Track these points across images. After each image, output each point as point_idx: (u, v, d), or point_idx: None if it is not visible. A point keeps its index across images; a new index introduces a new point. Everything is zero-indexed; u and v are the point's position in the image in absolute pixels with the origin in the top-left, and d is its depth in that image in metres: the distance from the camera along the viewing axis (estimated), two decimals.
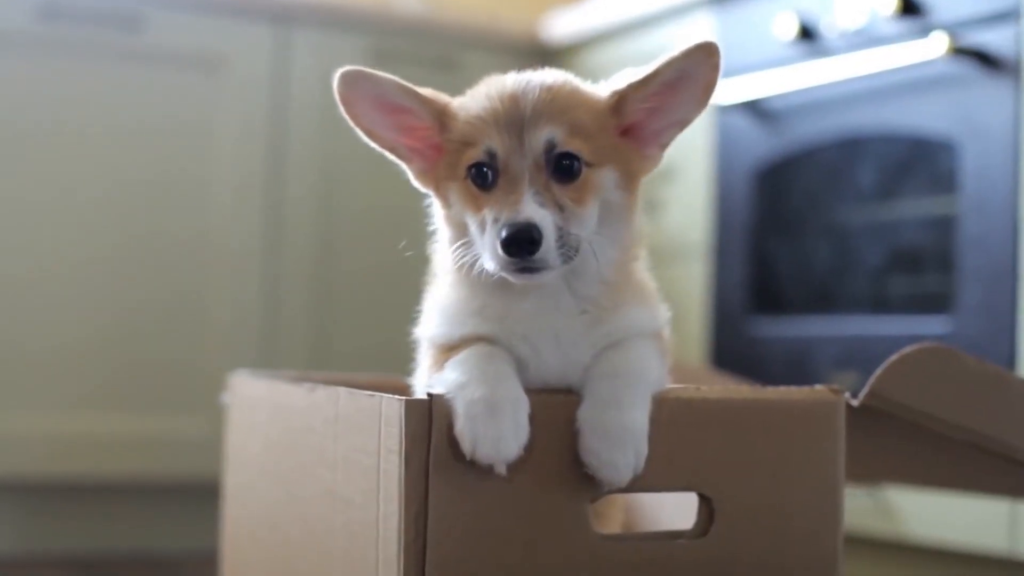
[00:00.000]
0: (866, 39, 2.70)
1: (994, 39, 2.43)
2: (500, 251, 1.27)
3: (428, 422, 1.27)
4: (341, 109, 1.41)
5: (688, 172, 3.15)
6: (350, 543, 1.39)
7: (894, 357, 1.49)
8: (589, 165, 1.35)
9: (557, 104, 1.36)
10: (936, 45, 2.49)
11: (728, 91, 2.99)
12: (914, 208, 2.68)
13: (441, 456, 1.27)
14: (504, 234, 1.26)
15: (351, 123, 1.43)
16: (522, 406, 1.28)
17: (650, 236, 3.15)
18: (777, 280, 2.97)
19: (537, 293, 1.36)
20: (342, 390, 1.43)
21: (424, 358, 1.44)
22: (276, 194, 3.37)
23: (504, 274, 1.30)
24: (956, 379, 1.54)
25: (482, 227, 1.32)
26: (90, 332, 3.18)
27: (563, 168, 1.33)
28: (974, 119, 2.46)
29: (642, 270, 1.47)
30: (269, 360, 3.28)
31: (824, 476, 1.49)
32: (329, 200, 3.44)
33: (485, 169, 1.33)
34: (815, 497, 1.48)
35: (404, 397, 1.28)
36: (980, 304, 2.42)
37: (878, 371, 1.49)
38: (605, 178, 1.36)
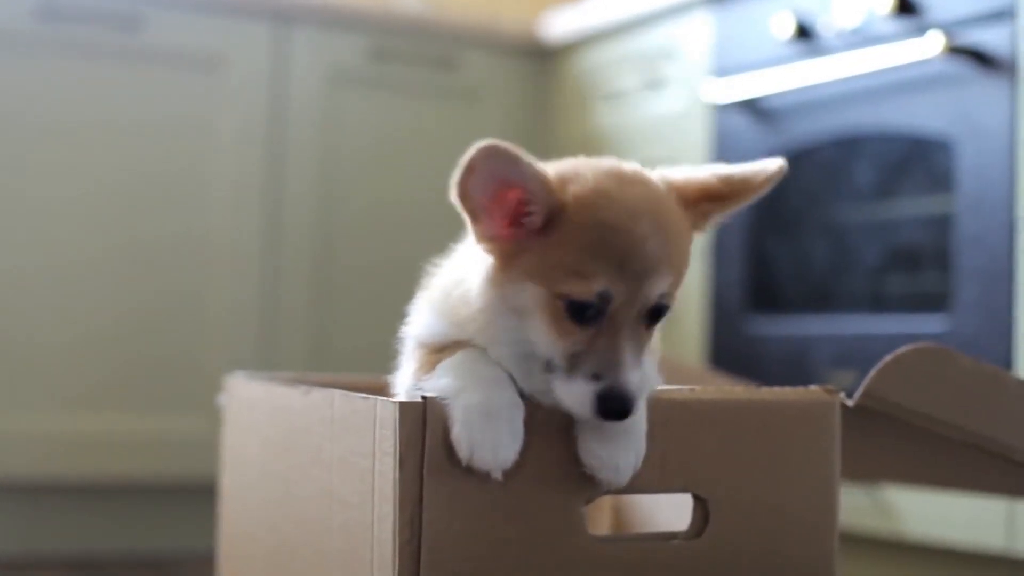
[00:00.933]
0: (863, 38, 2.70)
1: (990, 38, 2.43)
2: (591, 409, 1.23)
3: (422, 424, 1.27)
4: (458, 174, 1.26)
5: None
6: (346, 544, 1.39)
7: (889, 357, 1.50)
8: (671, 306, 1.31)
9: (675, 250, 1.28)
10: (932, 44, 2.49)
11: (725, 90, 2.99)
12: (911, 207, 2.68)
13: (436, 458, 1.27)
14: (603, 404, 1.23)
15: (457, 183, 1.27)
16: (518, 411, 1.28)
17: None
18: (775, 279, 2.97)
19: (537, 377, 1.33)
20: (337, 392, 1.43)
21: (410, 359, 1.42)
22: (275, 194, 3.37)
23: (580, 416, 1.27)
24: (951, 379, 1.54)
25: (563, 358, 1.26)
26: (88, 332, 3.18)
27: (656, 314, 1.29)
28: (971, 118, 2.47)
29: None
30: (268, 360, 3.28)
31: (820, 476, 1.49)
32: (328, 200, 3.44)
33: (589, 310, 1.25)
34: (811, 497, 1.48)
35: (398, 400, 1.29)
36: (977, 303, 2.42)
37: (873, 371, 1.49)
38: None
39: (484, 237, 1.31)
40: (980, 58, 2.45)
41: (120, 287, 3.21)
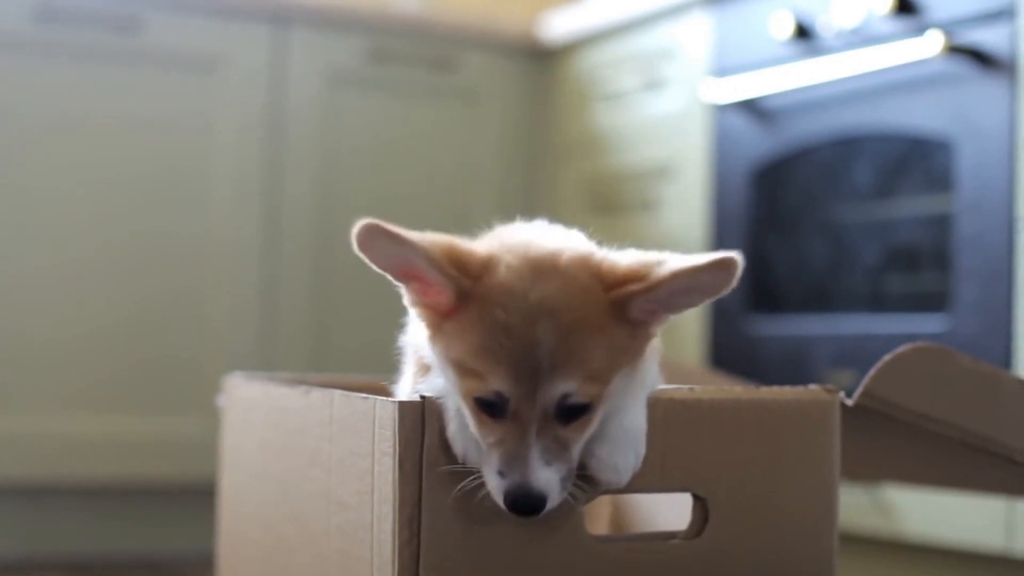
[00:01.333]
0: (862, 38, 2.70)
1: (989, 37, 2.43)
2: (503, 506, 1.22)
3: (421, 424, 1.27)
4: (355, 249, 1.29)
5: (685, 171, 3.15)
6: (345, 544, 1.39)
7: (888, 357, 1.49)
8: (594, 407, 1.26)
9: (576, 351, 1.23)
10: (932, 44, 2.49)
11: (725, 90, 2.99)
12: (910, 207, 2.68)
13: (434, 458, 1.27)
14: (510, 501, 1.21)
15: (365, 257, 1.30)
16: None
17: (647, 236, 3.16)
18: (774, 279, 2.97)
19: None
20: (336, 393, 1.43)
21: (409, 366, 1.43)
22: (274, 194, 3.37)
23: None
24: (950, 378, 1.54)
25: (484, 447, 1.25)
26: (86, 333, 3.18)
27: (573, 412, 1.24)
28: (970, 118, 2.46)
29: None
30: (267, 361, 3.28)
31: (819, 476, 1.49)
32: (327, 200, 3.44)
33: (491, 404, 1.23)
34: (810, 497, 1.48)
35: (397, 400, 1.29)
36: (976, 303, 2.42)
37: (872, 371, 1.49)
38: (615, 388, 1.28)
39: (414, 303, 1.31)
40: (979, 58, 2.44)
41: (119, 288, 3.21)
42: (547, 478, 1.22)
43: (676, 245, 3.10)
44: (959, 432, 1.55)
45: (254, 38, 3.37)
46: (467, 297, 1.25)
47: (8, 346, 3.10)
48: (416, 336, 1.41)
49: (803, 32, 2.85)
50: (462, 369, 1.25)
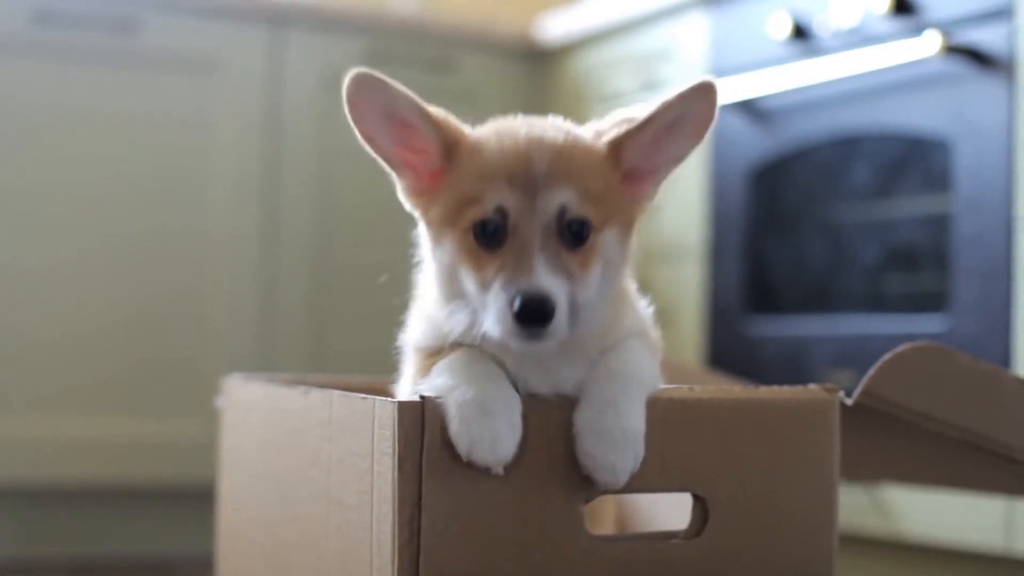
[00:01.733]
0: (860, 38, 2.70)
1: (987, 37, 2.43)
2: (511, 321, 1.24)
3: (421, 424, 1.27)
4: (346, 109, 1.36)
5: (683, 172, 3.12)
6: (345, 545, 1.39)
7: (888, 356, 1.50)
8: (595, 229, 1.32)
9: (570, 166, 1.31)
10: (929, 44, 2.49)
11: (722, 91, 2.98)
12: (909, 207, 2.68)
13: (434, 458, 1.27)
14: (518, 304, 1.23)
15: (352, 124, 1.37)
16: (515, 405, 1.28)
17: (646, 236, 3.16)
18: (773, 279, 2.97)
19: (521, 355, 1.33)
20: (336, 393, 1.43)
21: (408, 366, 1.44)
22: (272, 195, 3.37)
23: (509, 340, 1.27)
24: (950, 378, 1.54)
25: (483, 286, 1.28)
26: (85, 335, 3.18)
27: (572, 234, 1.30)
28: (968, 117, 2.46)
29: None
30: (266, 362, 3.28)
31: (819, 475, 1.49)
32: (325, 201, 3.44)
33: (492, 229, 1.29)
34: (810, 496, 1.48)
35: (397, 400, 1.28)
36: (975, 302, 2.42)
37: (872, 370, 1.49)
38: (608, 239, 1.34)
39: (410, 193, 1.40)
40: (977, 57, 2.44)
41: (118, 289, 3.21)
42: (555, 287, 1.25)
43: (675, 246, 3.10)
44: (959, 431, 1.55)
45: (251, 39, 3.37)
46: (455, 149, 1.34)
47: (7, 347, 3.10)
48: (414, 335, 1.41)
49: (801, 32, 2.85)
50: (457, 207, 1.31)
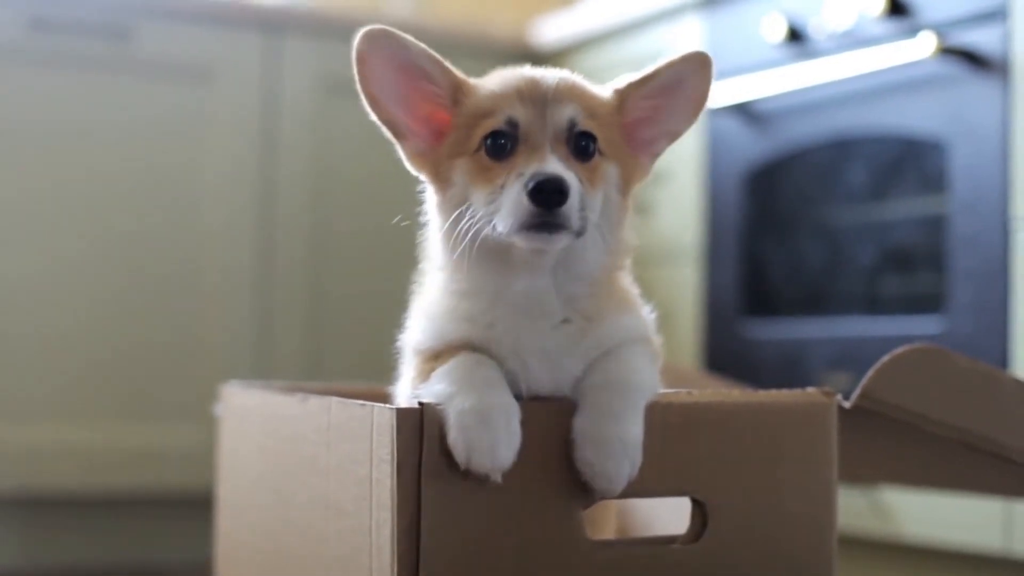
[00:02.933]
0: (854, 40, 2.70)
1: (982, 38, 2.44)
2: (526, 201, 1.26)
3: (419, 431, 1.27)
4: (355, 68, 1.39)
5: (679, 175, 3.15)
6: (344, 551, 1.39)
7: (885, 358, 1.50)
8: (600, 153, 1.36)
9: (575, 88, 1.38)
10: (924, 45, 2.49)
11: (718, 94, 2.99)
12: (905, 208, 2.68)
13: (433, 464, 1.27)
14: (532, 184, 1.26)
15: (359, 86, 1.39)
16: (513, 412, 1.28)
17: (642, 239, 3.16)
18: (769, 282, 2.97)
19: (524, 293, 1.36)
20: (334, 399, 1.43)
21: (407, 368, 1.44)
22: (269, 203, 3.37)
23: (521, 235, 1.28)
24: (947, 379, 1.54)
25: (494, 195, 1.31)
26: (81, 343, 3.18)
27: (580, 148, 1.35)
28: (963, 119, 2.47)
29: (625, 278, 1.47)
30: (263, 370, 3.27)
31: (817, 478, 1.49)
32: (322, 209, 3.44)
33: (503, 140, 1.33)
34: (809, 499, 1.49)
35: (395, 406, 1.28)
36: (972, 303, 2.42)
37: (870, 372, 1.49)
38: (610, 171, 1.38)
39: (414, 156, 1.43)
40: (972, 59, 2.45)
41: (114, 296, 3.21)
42: (567, 174, 1.29)
43: (670, 248, 3.10)
44: (957, 433, 1.55)
45: (246, 46, 3.37)
46: (462, 90, 1.39)
47: (2, 354, 3.10)
48: (414, 336, 1.41)
49: (795, 35, 2.85)
50: (467, 132, 1.35)
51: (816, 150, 2.86)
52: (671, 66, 1.44)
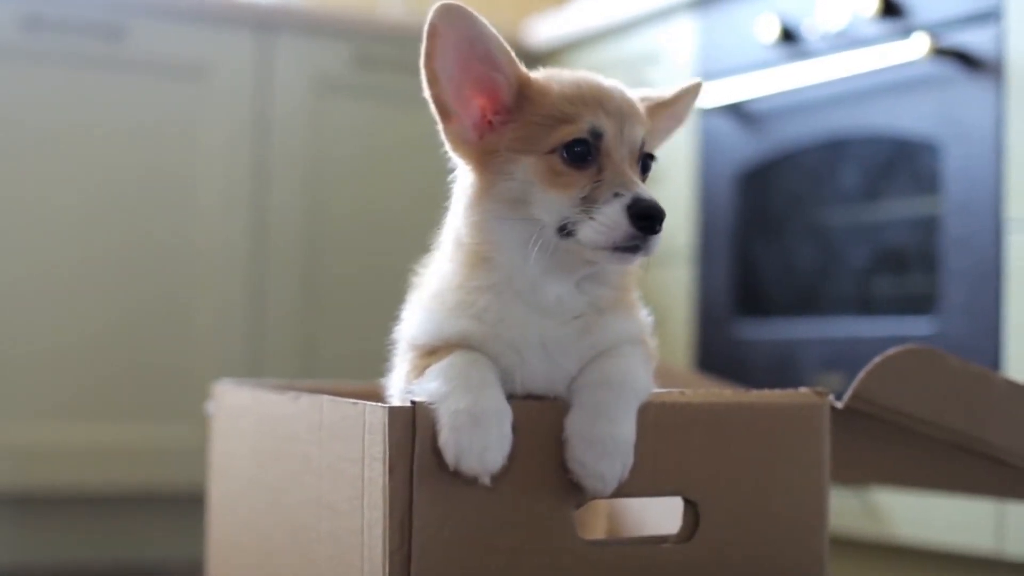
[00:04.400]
0: (848, 41, 2.70)
1: (975, 39, 2.44)
2: (627, 224, 1.27)
3: (412, 430, 1.26)
4: (424, 43, 1.36)
5: (672, 176, 3.15)
6: (335, 550, 1.38)
7: (877, 359, 1.50)
8: (649, 170, 1.41)
9: (639, 106, 1.40)
10: (918, 46, 2.49)
11: (710, 94, 2.99)
12: (898, 209, 2.68)
13: (425, 463, 1.26)
14: (638, 208, 1.27)
15: (424, 60, 1.36)
16: (506, 416, 1.28)
17: None
18: (762, 282, 2.98)
19: (552, 297, 1.36)
20: (326, 398, 1.43)
21: (402, 361, 1.43)
22: (261, 201, 3.37)
23: (607, 253, 1.30)
24: (940, 380, 1.54)
25: (572, 200, 1.31)
26: (74, 340, 3.17)
27: (644, 167, 1.39)
28: (956, 120, 2.47)
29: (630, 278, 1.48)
30: (256, 368, 3.27)
31: (809, 478, 1.49)
32: (314, 206, 3.44)
33: (583, 148, 1.33)
34: (800, 500, 1.49)
35: (387, 405, 1.28)
36: (965, 305, 2.42)
37: (862, 373, 1.49)
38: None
39: (458, 140, 1.40)
40: (965, 59, 2.45)
41: (107, 295, 3.21)
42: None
43: (663, 249, 3.09)
44: (948, 434, 1.55)
45: (239, 45, 3.37)
46: (528, 85, 1.38)
47: None
48: (410, 329, 1.41)
49: (788, 35, 2.85)
50: (540, 132, 1.34)
51: (809, 151, 2.86)
52: (686, 95, 1.50)
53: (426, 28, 1.35)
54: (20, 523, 3.15)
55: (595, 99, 1.35)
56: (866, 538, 2.63)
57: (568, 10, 3.60)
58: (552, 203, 1.32)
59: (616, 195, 1.29)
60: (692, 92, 1.51)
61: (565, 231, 1.31)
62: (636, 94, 1.45)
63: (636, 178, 1.32)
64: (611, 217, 1.28)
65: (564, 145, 1.32)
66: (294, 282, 3.40)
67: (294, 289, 3.40)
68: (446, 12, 1.35)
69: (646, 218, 1.27)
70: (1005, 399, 1.59)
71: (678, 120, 1.52)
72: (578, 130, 1.32)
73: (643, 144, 1.36)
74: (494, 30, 1.37)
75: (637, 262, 1.34)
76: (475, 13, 1.35)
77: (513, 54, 1.38)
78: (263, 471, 1.65)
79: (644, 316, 1.46)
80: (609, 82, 1.39)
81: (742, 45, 2.97)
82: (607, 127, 1.33)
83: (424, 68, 1.37)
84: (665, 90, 1.49)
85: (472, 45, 1.37)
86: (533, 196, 1.33)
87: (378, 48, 3.53)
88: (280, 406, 1.58)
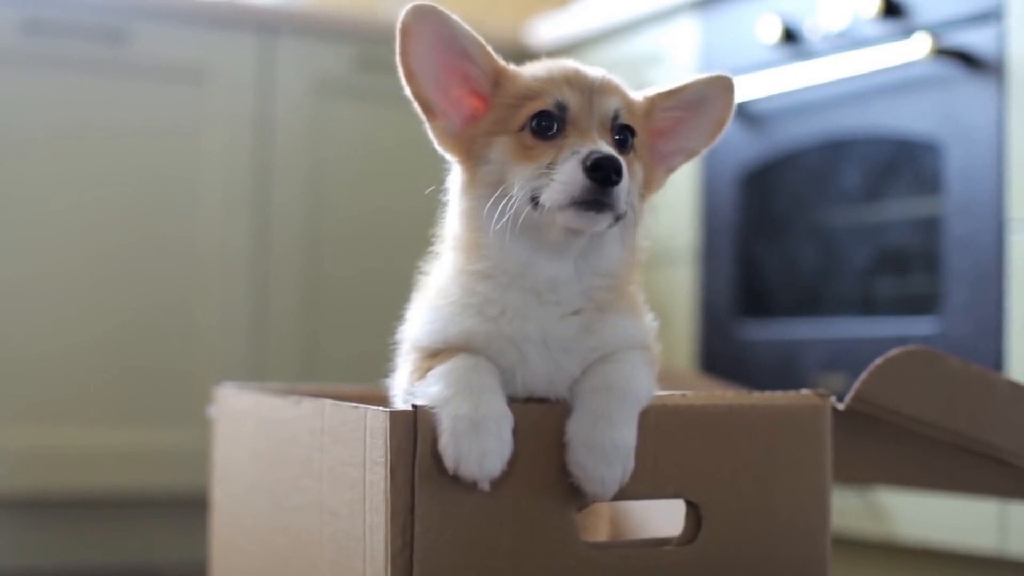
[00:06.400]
0: (849, 41, 2.70)
1: (976, 39, 2.44)
2: (582, 176, 1.28)
3: (413, 433, 1.26)
4: (397, 42, 1.39)
5: (674, 176, 3.14)
6: (337, 554, 1.38)
7: (879, 360, 1.50)
8: (634, 149, 1.40)
9: (617, 83, 1.41)
10: (919, 46, 2.49)
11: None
12: (899, 209, 2.68)
13: (426, 467, 1.26)
14: (592, 160, 1.28)
15: (399, 58, 1.39)
16: (506, 422, 1.28)
17: None
18: (764, 283, 2.97)
19: (546, 279, 1.37)
20: (327, 402, 1.43)
21: (405, 362, 1.43)
22: (263, 204, 3.37)
23: (569, 211, 1.30)
24: (941, 381, 1.54)
25: (539, 173, 1.32)
26: (76, 344, 3.17)
27: (621, 140, 1.38)
28: (958, 120, 2.47)
29: (635, 281, 1.47)
30: (258, 371, 3.27)
31: (811, 480, 1.49)
32: (316, 208, 3.44)
33: (550, 121, 1.35)
34: (803, 501, 1.48)
35: (389, 409, 1.28)
36: (966, 305, 2.42)
37: (863, 375, 1.49)
38: (637, 170, 1.41)
39: (443, 135, 1.42)
40: (967, 60, 2.45)
41: (109, 298, 3.21)
42: (620, 157, 1.31)
43: (666, 249, 3.10)
44: (950, 435, 1.55)
45: (241, 47, 3.37)
46: (503, 75, 1.41)
47: None
48: (414, 330, 1.41)
49: (790, 36, 2.85)
50: (511, 111, 1.37)
51: (811, 151, 2.86)
52: (696, 84, 1.49)
53: (398, 27, 1.38)
54: (22, 526, 3.15)
55: (562, 76, 1.37)
56: (869, 538, 2.62)
57: (570, 11, 3.60)
58: (522, 174, 1.34)
59: (574, 153, 1.30)
60: (711, 83, 1.51)
61: (535, 201, 1.32)
62: (648, 91, 1.48)
63: (601, 141, 1.33)
64: (567, 172, 1.30)
65: (530, 118, 1.35)
66: (296, 284, 3.40)
67: (296, 291, 3.40)
68: (418, 11, 1.38)
69: (600, 167, 1.28)
70: (1006, 400, 1.59)
71: (700, 112, 1.51)
72: (543, 104, 1.35)
73: (617, 115, 1.37)
74: (466, 26, 1.39)
75: (603, 223, 1.32)
76: (446, 11, 1.38)
77: (488, 47, 1.41)
78: (265, 475, 1.65)
79: (649, 320, 1.46)
80: (587, 67, 1.41)
81: (744, 45, 2.97)
82: (572, 100, 1.35)
83: (400, 66, 1.40)
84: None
85: (445, 41, 1.40)
86: (508, 173, 1.35)
87: (379, 50, 3.53)
88: (282, 410, 1.58)
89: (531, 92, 1.37)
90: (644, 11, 3.28)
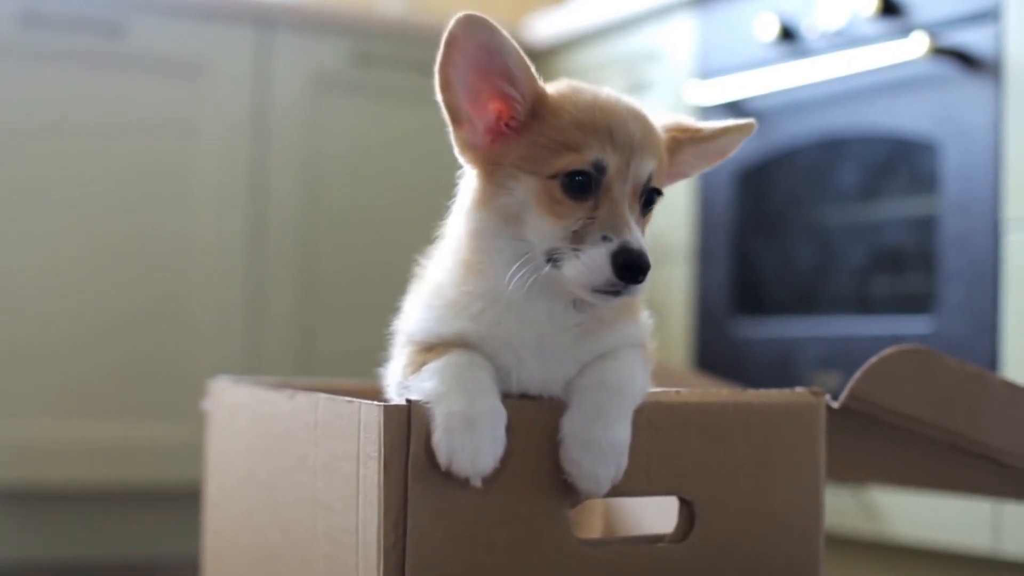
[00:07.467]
0: (847, 40, 2.70)
1: (974, 39, 2.44)
2: (610, 272, 1.25)
3: (407, 428, 1.26)
4: (440, 51, 1.34)
5: None
6: (331, 549, 1.38)
7: (874, 359, 1.50)
8: (654, 205, 1.38)
9: (656, 140, 1.37)
10: (916, 45, 2.49)
11: (709, 92, 2.99)
12: (896, 208, 2.68)
13: (420, 462, 1.26)
14: (623, 258, 1.25)
15: (438, 66, 1.34)
16: (500, 419, 1.27)
17: None
18: (760, 281, 2.97)
19: (535, 308, 1.35)
20: (322, 396, 1.43)
21: (399, 354, 1.42)
22: (259, 198, 3.37)
23: (590, 292, 1.28)
24: (936, 380, 1.54)
25: (564, 234, 1.29)
26: (72, 338, 3.17)
27: (647, 202, 1.35)
28: (955, 119, 2.47)
29: None
30: (253, 365, 3.27)
31: (805, 478, 1.49)
32: (312, 203, 3.44)
33: (583, 179, 1.30)
34: (796, 499, 1.48)
35: (383, 403, 1.28)
36: (962, 304, 2.42)
37: (858, 373, 1.49)
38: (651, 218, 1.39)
39: (466, 146, 1.37)
40: (964, 59, 2.45)
41: (105, 292, 3.20)
42: (645, 245, 1.28)
43: (661, 247, 3.10)
44: (945, 434, 1.55)
45: (238, 41, 3.37)
46: (543, 101, 1.35)
47: None
48: (410, 322, 1.40)
49: (787, 34, 2.85)
50: (546, 154, 1.31)
51: (807, 150, 2.86)
52: (727, 133, 1.47)
53: (445, 36, 1.33)
54: (16, 518, 3.15)
55: (606, 128, 1.31)
56: (862, 537, 2.63)
57: (568, 8, 3.60)
58: (544, 229, 1.30)
59: (605, 238, 1.27)
60: (738, 131, 1.48)
61: (552, 260, 1.29)
62: (666, 120, 1.44)
63: (632, 220, 1.29)
64: (595, 260, 1.26)
65: (565, 174, 1.30)
66: (292, 278, 3.40)
67: (292, 286, 3.40)
68: (467, 22, 1.34)
69: (629, 268, 1.25)
70: (1002, 400, 1.59)
71: (718, 155, 1.50)
72: (581, 161, 1.29)
73: (650, 179, 1.33)
74: (515, 43, 1.34)
75: (618, 301, 1.31)
76: (496, 26, 1.33)
77: (532, 69, 1.36)
78: (259, 469, 1.65)
79: (645, 319, 1.46)
80: (629, 107, 1.35)
81: (741, 43, 2.97)
82: (612, 161, 1.30)
83: (438, 73, 1.35)
84: (709, 125, 1.47)
85: (491, 57, 1.34)
86: (528, 217, 1.32)
87: (377, 45, 3.53)
88: (276, 404, 1.58)
89: (571, 142, 1.31)
90: (641, 8, 3.28)
